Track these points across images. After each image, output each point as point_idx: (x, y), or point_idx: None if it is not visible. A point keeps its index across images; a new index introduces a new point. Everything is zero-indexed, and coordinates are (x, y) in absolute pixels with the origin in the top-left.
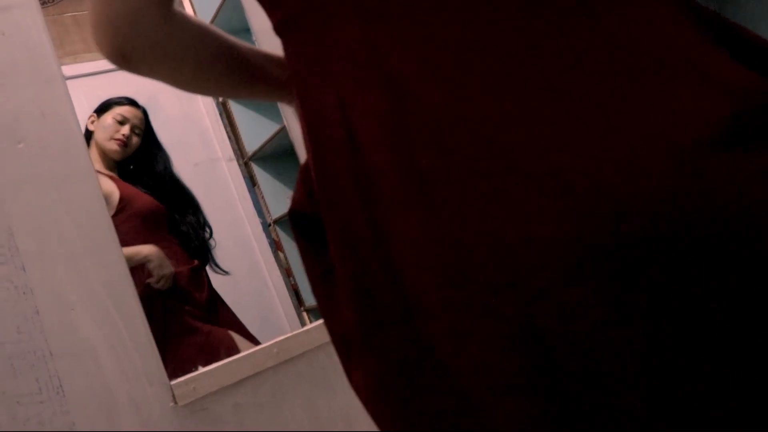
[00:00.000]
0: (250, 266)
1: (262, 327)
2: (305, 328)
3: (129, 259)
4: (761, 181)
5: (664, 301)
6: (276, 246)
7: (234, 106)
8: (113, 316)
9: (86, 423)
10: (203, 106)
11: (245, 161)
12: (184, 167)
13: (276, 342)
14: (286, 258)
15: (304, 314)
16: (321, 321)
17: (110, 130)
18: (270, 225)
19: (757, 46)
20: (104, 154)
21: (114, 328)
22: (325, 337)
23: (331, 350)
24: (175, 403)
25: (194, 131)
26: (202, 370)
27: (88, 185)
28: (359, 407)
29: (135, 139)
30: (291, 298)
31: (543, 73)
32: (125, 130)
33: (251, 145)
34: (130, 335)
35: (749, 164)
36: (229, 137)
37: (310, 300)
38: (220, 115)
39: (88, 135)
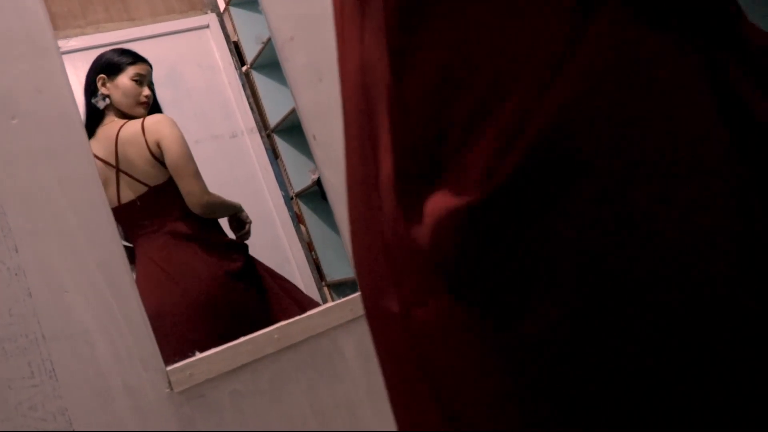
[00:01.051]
0: (271, 239)
1: None
2: (308, 313)
3: (232, 206)
4: None
5: None
6: (298, 219)
7: (257, 78)
8: (108, 298)
9: (79, 408)
10: (225, 77)
11: (268, 133)
12: (205, 139)
13: (277, 327)
14: (307, 231)
15: (325, 289)
16: (328, 305)
17: (134, 94)
18: (292, 198)
19: None
20: (123, 117)
21: (108, 311)
22: (328, 323)
23: (335, 336)
24: (171, 389)
25: (216, 103)
26: (199, 355)
27: (83, 163)
28: (363, 395)
29: (151, 98)
30: (312, 273)
31: None
32: (146, 90)
33: (274, 117)
34: (125, 319)
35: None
36: (252, 109)
37: (331, 275)
38: (243, 86)
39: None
